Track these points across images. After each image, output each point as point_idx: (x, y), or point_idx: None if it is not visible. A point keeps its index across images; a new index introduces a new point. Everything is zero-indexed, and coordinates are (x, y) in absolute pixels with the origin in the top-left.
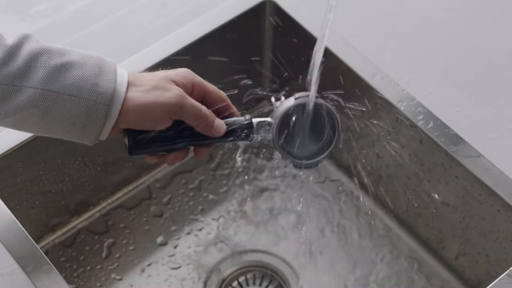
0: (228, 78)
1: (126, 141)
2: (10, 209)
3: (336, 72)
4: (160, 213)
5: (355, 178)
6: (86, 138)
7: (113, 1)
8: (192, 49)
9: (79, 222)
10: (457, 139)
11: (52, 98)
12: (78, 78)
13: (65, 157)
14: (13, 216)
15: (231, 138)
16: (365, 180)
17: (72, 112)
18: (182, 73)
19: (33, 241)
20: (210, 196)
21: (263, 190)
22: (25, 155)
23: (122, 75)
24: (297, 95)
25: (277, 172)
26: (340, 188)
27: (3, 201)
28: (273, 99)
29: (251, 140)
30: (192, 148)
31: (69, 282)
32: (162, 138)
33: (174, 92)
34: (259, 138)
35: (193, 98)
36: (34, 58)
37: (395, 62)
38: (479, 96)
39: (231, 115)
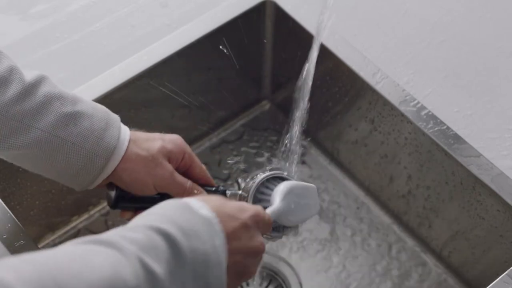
0: (228, 77)
1: (112, 194)
2: (10, 209)
3: (336, 72)
4: None
5: (353, 177)
6: (76, 184)
7: (113, 1)
8: (192, 49)
9: (79, 222)
10: (457, 139)
11: (57, 143)
12: (85, 129)
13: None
14: (13, 216)
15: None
16: (364, 179)
17: (71, 159)
18: (175, 141)
19: (33, 241)
20: None
21: None
22: None
23: (125, 133)
24: (268, 169)
25: None
26: (342, 189)
27: (3, 201)
28: (239, 179)
29: None
30: None
31: None
32: (146, 199)
33: (165, 172)
34: None
35: (181, 166)
36: (48, 102)
37: (395, 62)
38: (479, 96)
39: (208, 184)
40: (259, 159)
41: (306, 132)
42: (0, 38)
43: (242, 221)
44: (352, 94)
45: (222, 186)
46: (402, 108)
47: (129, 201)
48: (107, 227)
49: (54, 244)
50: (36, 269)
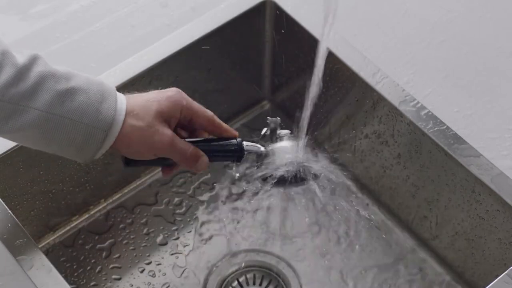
0: (228, 77)
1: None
2: (10, 209)
3: (336, 72)
4: (160, 213)
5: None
6: (80, 158)
7: (113, 1)
8: (192, 49)
9: (79, 222)
10: (457, 139)
11: (55, 121)
12: (81, 104)
13: (66, 157)
14: (13, 216)
15: (222, 159)
16: (364, 179)
17: (71, 135)
18: (171, 98)
19: (33, 241)
20: (211, 196)
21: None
22: (25, 155)
23: (122, 103)
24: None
25: None
26: (343, 190)
27: (3, 201)
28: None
29: (240, 160)
30: None
31: (69, 282)
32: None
33: (164, 137)
34: (254, 152)
35: (181, 121)
36: (42, 81)
37: (395, 62)
38: (479, 96)
39: (222, 133)
40: None
41: (306, 132)
42: (0, 38)
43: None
44: (352, 94)
45: (239, 138)
46: (402, 108)
47: (138, 163)
48: (107, 227)
49: (54, 244)
50: None
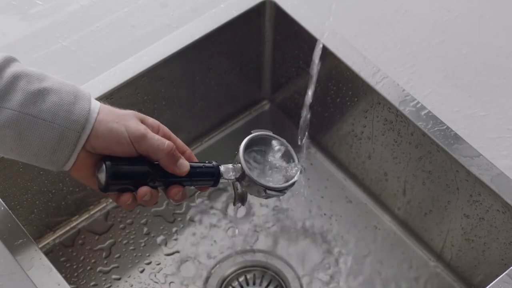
0: (228, 77)
1: (102, 176)
2: (10, 209)
3: (336, 72)
4: (160, 213)
5: (351, 176)
6: (53, 163)
7: (113, 1)
8: (192, 49)
9: (79, 222)
10: (457, 139)
11: (28, 121)
12: (54, 104)
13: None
14: (13, 216)
15: (199, 180)
16: (363, 179)
17: (45, 136)
18: (152, 119)
19: (33, 241)
20: (211, 196)
21: None
22: None
23: (95, 105)
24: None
25: None
26: (342, 189)
27: (3, 201)
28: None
29: (216, 185)
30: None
31: (69, 282)
32: (136, 174)
33: (139, 125)
34: (231, 179)
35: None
36: (15, 81)
37: (395, 62)
38: (479, 96)
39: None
40: None
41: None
42: (0, 38)
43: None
44: (352, 94)
45: (215, 161)
46: (402, 108)
47: (121, 177)
48: (107, 227)
49: (54, 244)
50: None
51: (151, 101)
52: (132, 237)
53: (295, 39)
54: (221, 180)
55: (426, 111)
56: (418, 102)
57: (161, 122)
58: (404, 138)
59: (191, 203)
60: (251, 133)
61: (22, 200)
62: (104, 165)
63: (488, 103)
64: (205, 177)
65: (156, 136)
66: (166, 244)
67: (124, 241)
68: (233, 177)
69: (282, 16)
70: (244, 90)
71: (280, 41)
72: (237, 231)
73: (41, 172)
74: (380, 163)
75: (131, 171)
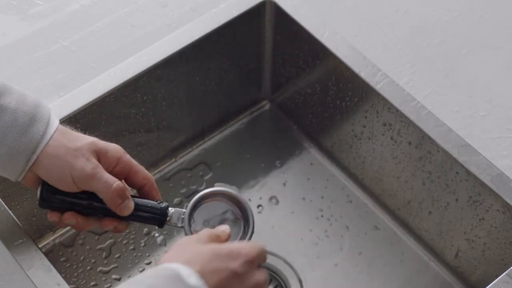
0: (228, 77)
1: (39, 191)
2: (10, 209)
3: (336, 72)
4: None
5: (351, 176)
6: (8, 176)
7: (113, 1)
8: (192, 49)
9: None
10: (457, 139)
11: None
12: (5, 125)
13: None
14: (13, 216)
15: (142, 219)
16: (363, 179)
17: None
18: (111, 145)
19: (33, 241)
20: None
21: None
22: None
23: (52, 127)
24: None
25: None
26: (342, 189)
27: (3, 201)
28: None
29: (161, 226)
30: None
31: (69, 282)
32: (75, 203)
33: (85, 165)
34: (176, 225)
35: (115, 172)
36: None
37: (395, 62)
38: (479, 96)
39: (152, 196)
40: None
41: (306, 132)
42: (0, 38)
43: (231, 271)
44: (352, 94)
45: (166, 202)
46: (402, 108)
47: (55, 201)
48: None
49: (54, 244)
50: None
51: (151, 101)
52: (132, 237)
53: (295, 39)
54: (169, 225)
55: (426, 111)
56: (418, 102)
57: (161, 122)
58: (404, 138)
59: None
60: (214, 186)
61: (22, 200)
62: (39, 187)
63: (488, 103)
64: (148, 219)
65: (105, 177)
66: (166, 244)
67: (124, 241)
68: (179, 224)
69: (282, 16)
70: (244, 90)
71: (280, 41)
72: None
73: None
74: (380, 163)
75: (67, 201)
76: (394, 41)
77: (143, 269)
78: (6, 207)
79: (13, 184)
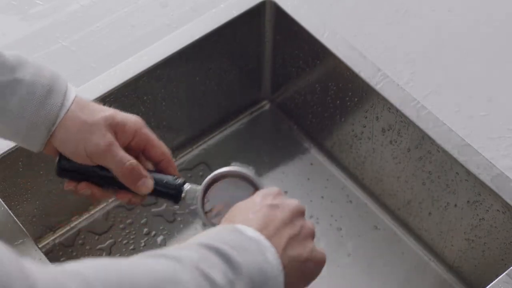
0: (228, 77)
1: (56, 161)
2: (10, 209)
3: (336, 72)
4: (160, 213)
5: (351, 176)
6: (29, 148)
7: (113, 1)
8: (192, 49)
9: (79, 222)
10: (457, 139)
11: None
12: (23, 99)
13: None
14: (13, 216)
15: (157, 194)
16: (363, 179)
17: (14, 128)
18: (130, 117)
19: (33, 241)
20: None
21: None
22: (25, 155)
23: (68, 99)
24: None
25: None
26: (342, 189)
27: (3, 201)
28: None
29: (177, 203)
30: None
31: None
32: (90, 174)
33: (100, 141)
34: (190, 204)
35: (132, 146)
36: None
37: (395, 62)
38: (479, 96)
39: (169, 172)
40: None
41: (306, 132)
42: (0, 38)
43: (290, 235)
44: (352, 94)
45: (182, 179)
46: (402, 108)
47: (72, 171)
48: (107, 227)
49: (54, 244)
50: (106, 270)
51: (151, 101)
52: (132, 237)
53: (295, 39)
54: (183, 202)
55: (426, 111)
56: (418, 102)
57: (161, 122)
58: (404, 138)
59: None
60: (230, 165)
61: (22, 200)
62: (57, 157)
63: (488, 103)
64: (163, 195)
65: (119, 154)
66: (166, 244)
67: (124, 241)
68: (193, 203)
69: (282, 16)
70: (244, 90)
71: (280, 41)
72: None
73: (41, 172)
74: (380, 163)
75: (82, 172)
76: (394, 41)
77: None
78: (6, 207)
79: (13, 184)
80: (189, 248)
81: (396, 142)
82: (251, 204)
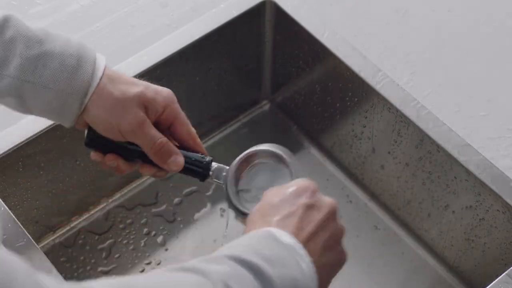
0: (228, 77)
1: (86, 131)
2: (10, 209)
3: (336, 72)
4: (160, 213)
5: (351, 176)
6: (62, 123)
7: (113, 1)
8: (192, 49)
9: (79, 222)
10: (457, 139)
11: (28, 88)
12: (54, 70)
13: (65, 157)
14: (13, 216)
15: (184, 171)
16: (363, 179)
17: (46, 102)
18: (161, 92)
19: (33, 241)
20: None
21: None
22: (25, 155)
23: (98, 69)
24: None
25: None
26: (342, 189)
27: (3, 201)
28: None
29: (203, 180)
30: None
31: None
32: (119, 147)
33: (132, 118)
34: (217, 181)
35: (161, 120)
36: (13, 46)
37: (395, 62)
38: (479, 96)
39: (196, 151)
40: None
41: (306, 132)
42: None
43: (325, 239)
44: (352, 94)
45: (210, 157)
46: (402, 108)
47: (100, 143)
48: (107, 227)
49: (54, 244)
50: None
51: None
52: (132, 237)
53: (295, 39)
54: (210, 180)
55: (426, 111)
56: (418, 102)
57: None
58: (404, 138)
59: (192, 203)
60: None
61: (22, 200)
62: (87, 129)
63: (488, 103)
64: (190, 172)
65: (151, 132)
66: (166, 244)
67: (124, 241)
68: (221, 181)
69: (282, 16)
70: (244, 90)
71: (280, 41)
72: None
73: (41, 172)
74: (380, 163)
75: (111, 145)
76: (394, 41)
77: (143, 269)
78: (6, 207)
79: (13, 184)
80: (219, 262)
81: (396, 142)
82: (287, 198)
